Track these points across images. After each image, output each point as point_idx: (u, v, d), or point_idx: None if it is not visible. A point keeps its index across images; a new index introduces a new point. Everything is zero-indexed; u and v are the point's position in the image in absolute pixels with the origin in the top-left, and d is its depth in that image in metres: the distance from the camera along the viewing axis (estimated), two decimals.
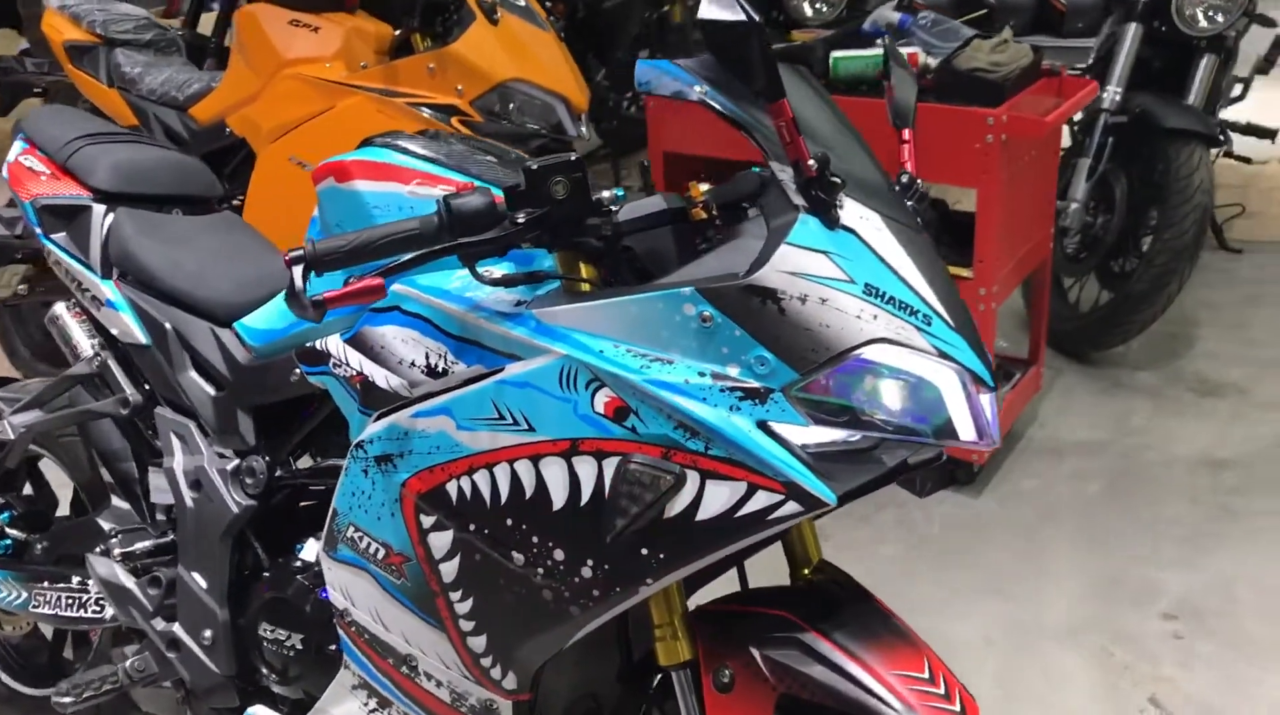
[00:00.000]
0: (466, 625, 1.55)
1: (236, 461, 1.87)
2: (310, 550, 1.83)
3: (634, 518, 1.38)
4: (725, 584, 1.67)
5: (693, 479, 1.35)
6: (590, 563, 1.43)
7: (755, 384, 1.33)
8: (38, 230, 2.06)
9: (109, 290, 1.99)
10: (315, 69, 3.11)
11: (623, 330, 1.39)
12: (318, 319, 1.35)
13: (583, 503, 1.42)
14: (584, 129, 3.04)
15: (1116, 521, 3.04)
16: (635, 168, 5.13)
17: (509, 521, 1.48)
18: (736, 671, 1.48)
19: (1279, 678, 2.47)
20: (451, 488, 1.51)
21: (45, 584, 2.08)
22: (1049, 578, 2.82)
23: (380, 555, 1.61)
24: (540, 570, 1.46)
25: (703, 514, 1.36)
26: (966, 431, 1.40)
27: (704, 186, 1.54)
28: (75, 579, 2.04)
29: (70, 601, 2.05)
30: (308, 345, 1.74)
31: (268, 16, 3.18)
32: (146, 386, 2.00)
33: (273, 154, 3.09)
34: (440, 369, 1.55)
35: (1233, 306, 4.33)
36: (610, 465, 1.39)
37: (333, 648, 1.78)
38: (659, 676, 1.66)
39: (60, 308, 2.10)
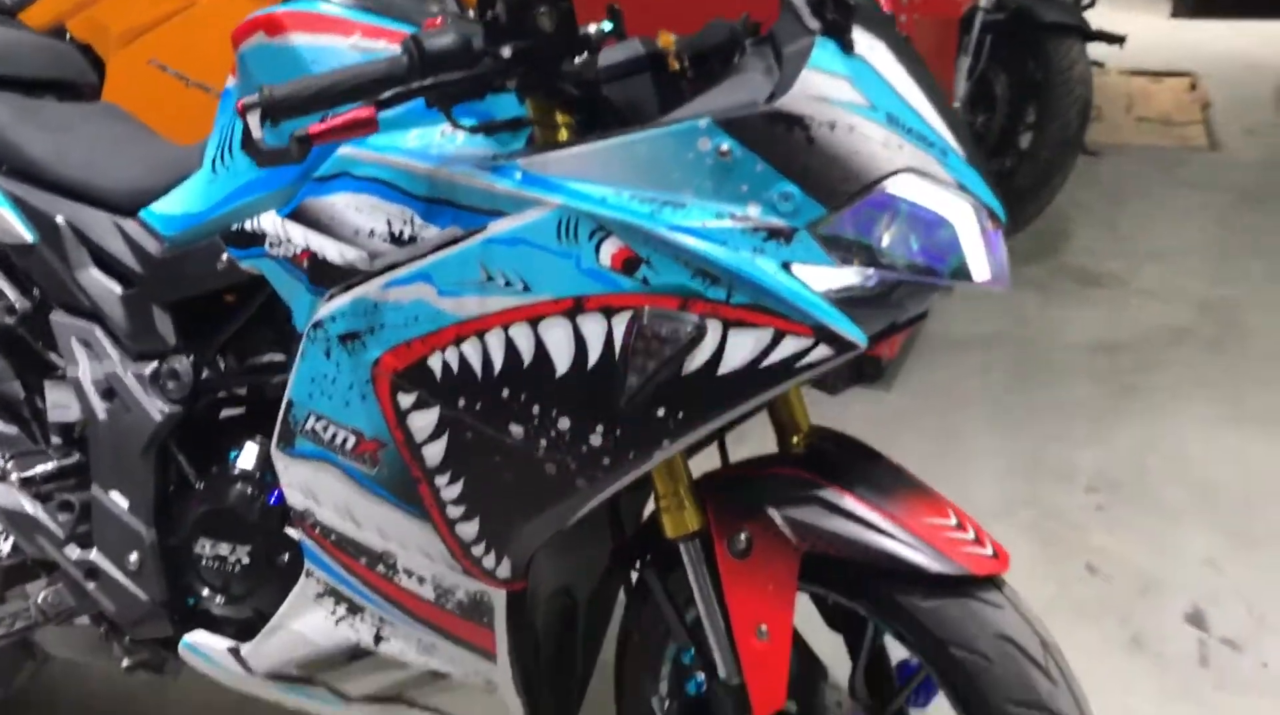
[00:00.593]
0: (455, 511, 1.42)
1: (155, 365, 1.67)
2: (248, 456, 1.66)
3: (650, 376, 1.27)
4: (705, 460, 1.58)
5: (714, 329, 1.25)
6: (600, 430, 1.32)
7: (779, 223, 1.23)
8: None
9: None
10: None
11: (627, 174, 1.27)
12: (300, 158, 1.19)
13: (590, 365, 1.30)
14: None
15: (1027, 405, 3.09)
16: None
17: (505, 393, 1.35)
18: (754, 535, 1.39)
19: (1200, 536, 2.55)
20: (435, 362, 1.37)
21: None
22: (972, 462, 2.84)
23: (349, 444, 1.46)
24: (543, 443, 1.34)
25: (725, 366, 1.26)
26: (981, 272, 1.34)
27: (672, 36, 1.43)
28: None
29: None
30: (234, 228, 1.57)
31: None
32: (35, 291, 1.77)
33: (126, 59, 2.80)
34: (407, 236, 1.40)
35: (1101, 205, 4.47)
36: (621, 322, 1.28)
37: (285, 557, 1.62)
38: (648, 557, 1.56)
39: None
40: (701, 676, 1.49)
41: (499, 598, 1.46)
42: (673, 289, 1.26)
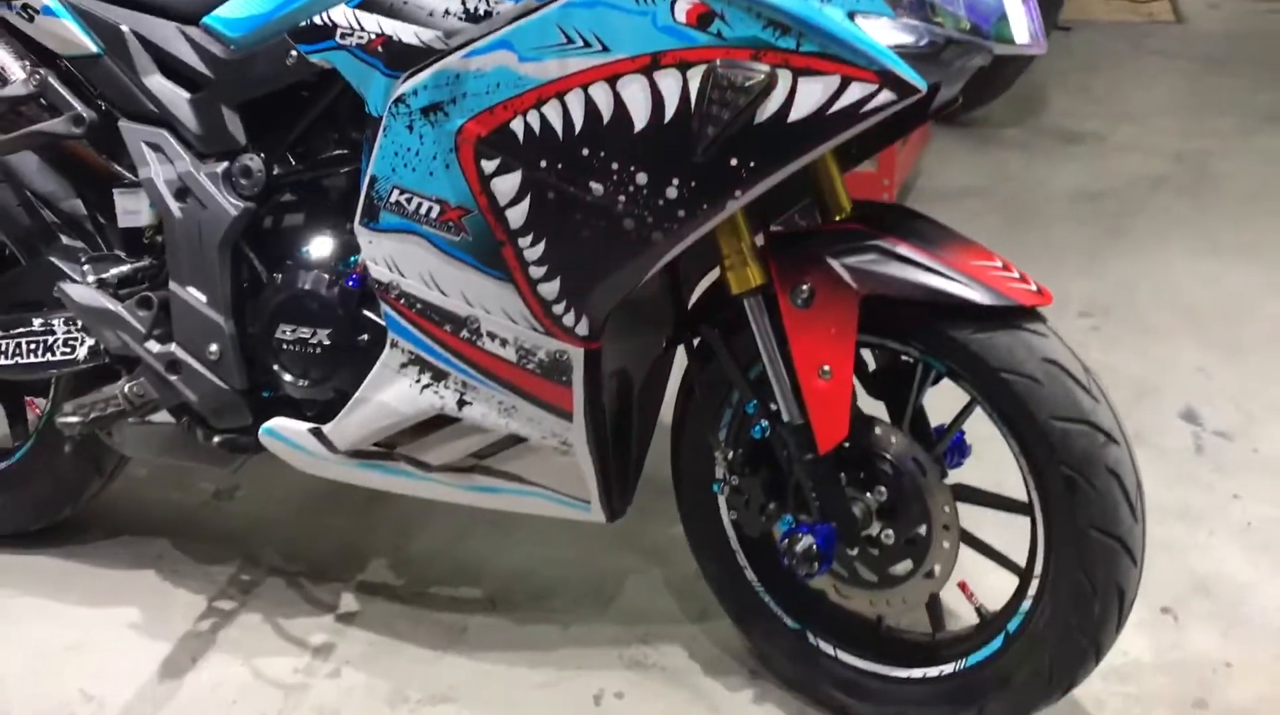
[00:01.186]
0: (537, 272, 1.52)
1: (226, 164, 1.75)
2: (321, 245, 1.74)
3: (725, 126, 1.37)
4: None
5: (784, 78, 1.35)
6: (676, 182, 1.42)
7: None
8: None
9: None
10: None
11: None
12: None
13: (667, 119, 1.40)
14: None
15: (1018, 246, 3.21)
16: None
17: (585, 151, 1.45)
18: (816, 285, 1.51)
19: (1189, 349, 2.71)
20: (517, 125, 1.47)
21: None
22: None
23: (434, 213, 1.55)
24: (621, 198, 1.45)
25: (795, 113, 1.36)
26: (1021, 35, 1.46)
27: None
28: (37, 321, 1.88)
29: (34, 346, 1.89)
30: (302, 25, 1.63)
31: None
32: (99, 102, 1.83)
33: None
34: (483, 11, 1.49)
35: (1075, 73, 4.59)
36: (696, 75, 1.38)
37: (364, 337, 1.71)
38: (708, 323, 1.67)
39: None
40: (764, 423, 1.61)
41: (577, 356, 1.57)
42: (745, 41, 1.35)
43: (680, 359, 1.79)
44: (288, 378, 1.75)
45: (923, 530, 1.58)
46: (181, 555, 2.16)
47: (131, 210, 1.83)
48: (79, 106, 1.81)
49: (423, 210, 1.56)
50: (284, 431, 1.77)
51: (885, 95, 1.34)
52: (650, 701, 1.80)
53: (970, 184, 3.63)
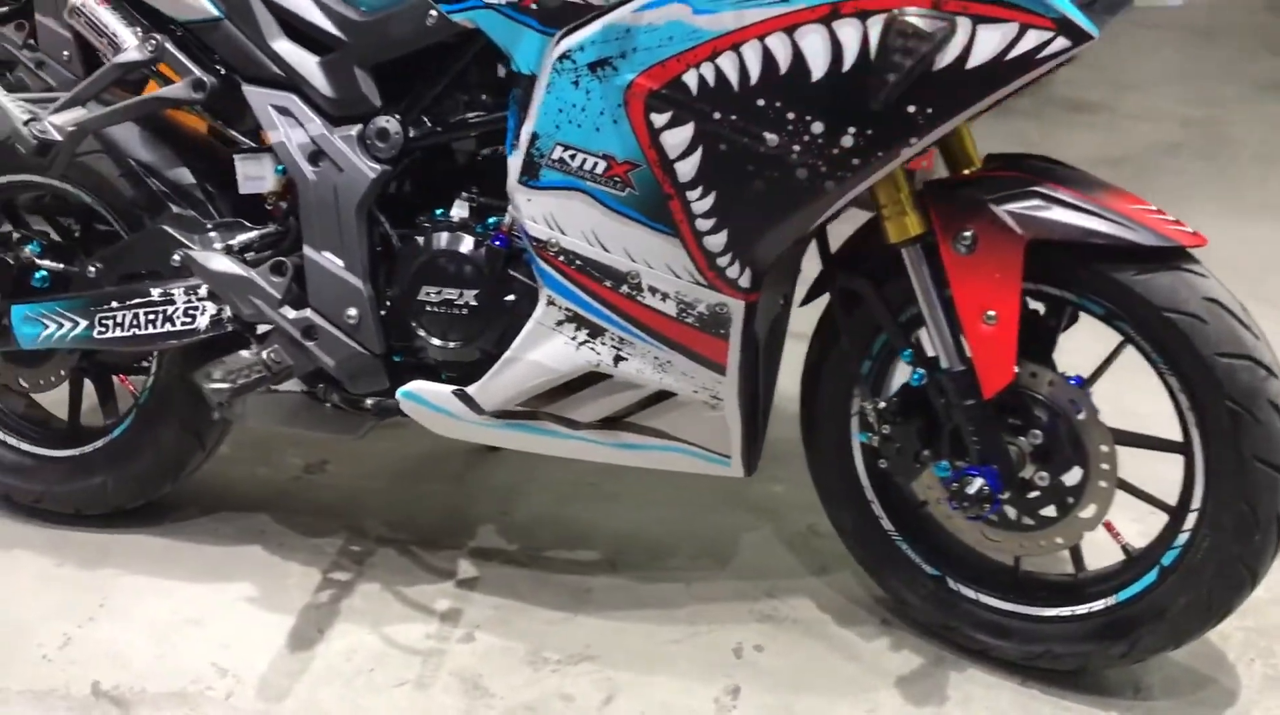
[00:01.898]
0: (704, 224, 1.54)
1: (360, 127, 1.74)
2: (459, 207, 1.74)
3: (905, 74, 1.40)
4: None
5: (964, 26, 1.38)
6: (852, 130, 1.45)
7: None
8: None
9: None
10: None
11: None
12: None
13: (845, 68, 1.42)
14: None
15: None
16: None
17: (761, 102, 1.46)
18: (978, 231, 1.54)
19: None
20: (690, 78, 1.48)
21: (113, 304, 1.87)
22: None
23: (600, 169, 1.56)
24: (796, 148, 1.47)
25: (973, 60, 1.39)
26: None
27: None
28: (155, 291, 1.85)
29: (152, 317, 1.86)
30: None
31: None
32: (217, 67, 1.80)
33: None
34: None
35: None
36: (876, 23, 1.40)
37: (512, 297, 1.71)
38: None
39: None
40: (921, 371, 1.64)
41: (737, 308, 1.59)
42: None
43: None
44: (432, 340, 1.75)
45: (1078, 472, 1.62)
46: (285, 529, 2.14)
47: (254, 176, 1.81)
48: (198, 71, 1.79)
49: (587, 166, 1.56)
50: (425, 394, 1.77)
51: (1060, 42, 1.38)
52: (790, 653, 1.82)
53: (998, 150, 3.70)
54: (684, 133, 1.50)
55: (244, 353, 1.85)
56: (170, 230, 1.86)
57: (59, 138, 1.79)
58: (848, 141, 1.45)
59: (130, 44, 1.81)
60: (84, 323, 1.90)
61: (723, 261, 1.55)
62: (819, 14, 1.42)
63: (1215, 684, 1.74)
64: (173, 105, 1.82)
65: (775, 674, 1.78)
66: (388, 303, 1.77)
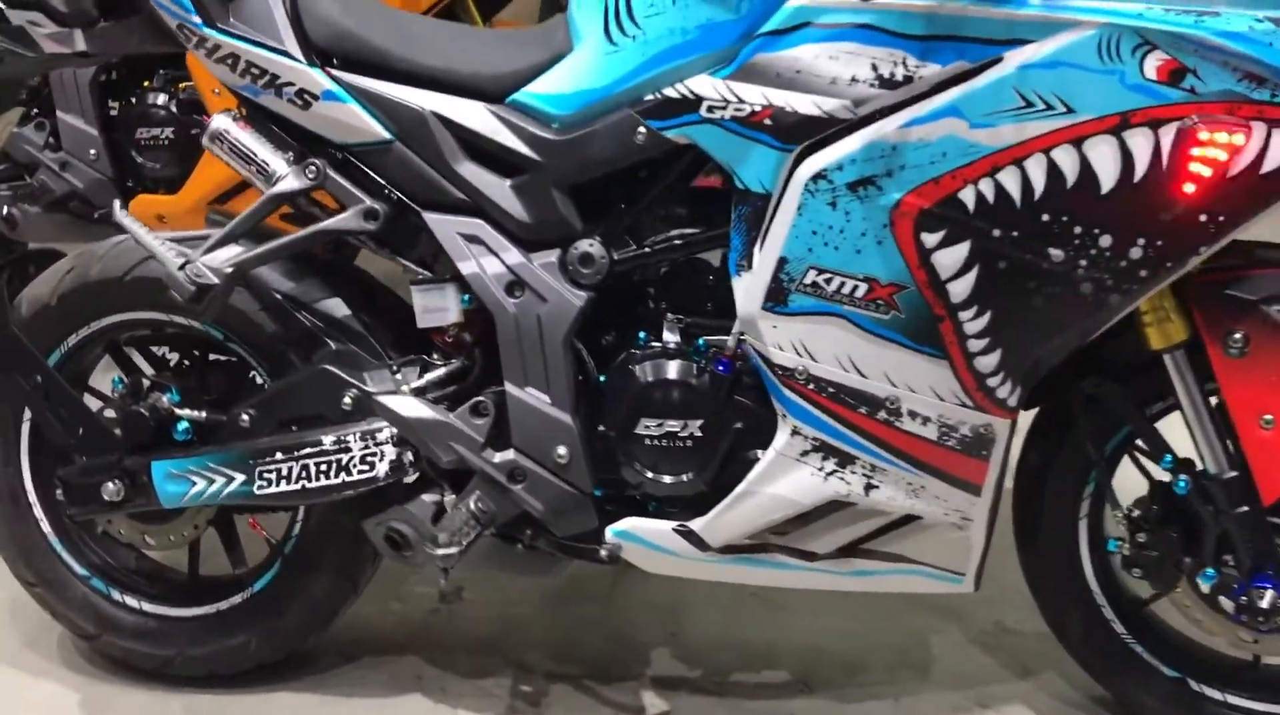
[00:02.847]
0: (976, 345, 1.45)
1: (559, 252, 1.61)
2: (670, 331, 1.62)
3: (1204, 182, 1.34)
4: None
5: (1258, 130, 1.33)
6: (1141, 242, 1.38)
7: None
8: (195, 19, 1.62)
9: (323, 79, 1.62)
10: None
11: None
12: None
13: (1136, 178, 1.36)
14: None
15: None
16: None
17: (1045, 216, 1.39)
18: (1250, 332, 1.49)
19: None
20: (967, 194, 1.40)
21: (277, 456, 1.70)
22: None
23: (860, 292, 1.46)
24: (1083, 261, 1.39)
25: (1267, 165, 1.34)
26: None
27: None
28: (327, 439, 1.69)
29: (324, 467, 1.68)
30: (650, 98, 1.53)
31: None
32: (387, 192, 1.66)
33: None
34: (900, 76, 1.41)
35: None
36: (1168, 132, 1.34)
37: (737, 426, 1.60)
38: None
39: (223, 120, 1.68)
40: (1184, 477, 1.57)
41: (1002, 428, 1.51)
42: (1220, 94, 1.32)
43: None
44: (651, 475, 1.62)
45: None
46: (441, 671, 1.98)
47: (435, 308, 1.67)
48: (368, 199, 1.64)
49: (845, 289, 1.46)
50: (643, 533, 1.64)
51: None
52: None
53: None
54: (959, 251, 1.42)
55: (425, 497, 1.71)
56: (336, 371, 1.70)
57: (216, 281, 1.64)
58: (1136, 253, 1.38)
59: (283, 171, 1.66)
60: (241, 477, 1.72)
61: (993, 382, 1.47)
62: (1108, 124, 1.35)
63: None
64: (338, 235, 1.67)
65: None
66: (599, 438, 1.64)
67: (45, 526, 1.93)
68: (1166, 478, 1.61)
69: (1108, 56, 1.34)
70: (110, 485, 1.77)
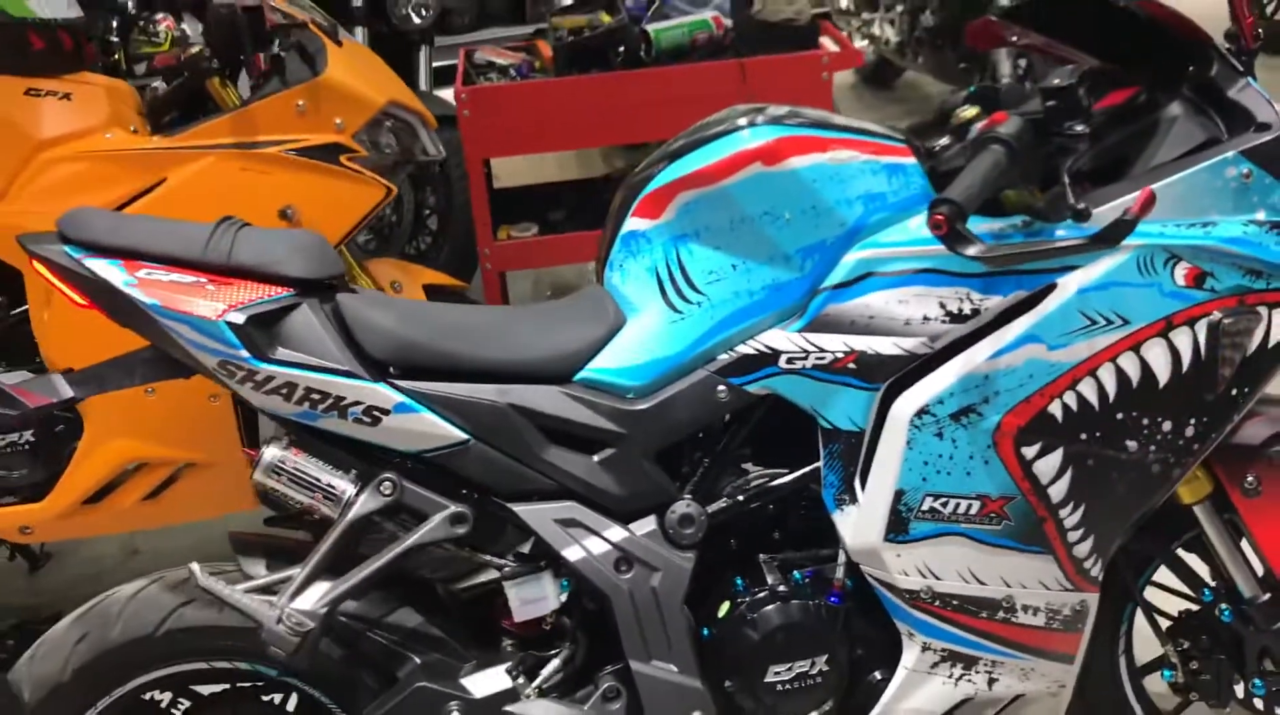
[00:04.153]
0: (1074, 536, 1.61)
1: (655, 518, 1.62)
2: (771, 574, 1.67)
3: (1236, 365, 1.57)
4: None
5: (1263, 313, 1.59)
6: (1192, 422, 1.60)
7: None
8: (244, 354, 1.51)
9: (392, 393, 1.55)
10: (92, 143, 2.43)
11: (1165, 210, 1.55)
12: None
13: (1183, 371, 1.58)
14: (438, 146, 2.77)
15: None
16: None
17: (1119, 416, 1.57)
18: (1260, 475, 1.74)
19: None
20: (1054, 408, 1.56)
21: None
22: None
23: (974, 510, 1.58)
24: (1152, 447, 1.59)
25: (1273, 337, 1.60)
26: None
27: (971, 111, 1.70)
28: None
29: None
30: (725, 357, 1.60)
31: None
32: (464, 492, 1.60)
33: None
34: (967, 310, 1.56)
35: None
36: (1202, 328, 1.57)
37: (859, 651, 1.67)
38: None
39: (275, 451, 1.57)
40: (1226, 606, 1.80)
41: (1093, 600, 1.67)
42: (1231, 290, 1.57)
43: None
44: None
45: None
46: None
47: (534, 598, 1.62)
48: (452, 505, 1.59)
49: (960, 510, 1.58)
50: None
51: None
52: None
53: None
54: (1054, 458, 1.57)
55: None
56: (433, 686, 1.61)
57: (312, 625, 1.52)
58: (1189, 431, 1.60)
59: (353, 492, 1.58)
60: None
61: (1088, 564, 1.63)
62: (1157, 329, 1.55)
63: None
64: (428, 547, 1.60)
65: None
66: (724, 693, 1.65)
67: None
68: (1196, 607, 1.84)
69: (1146, 271, 1.55)
70: None
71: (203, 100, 2.67)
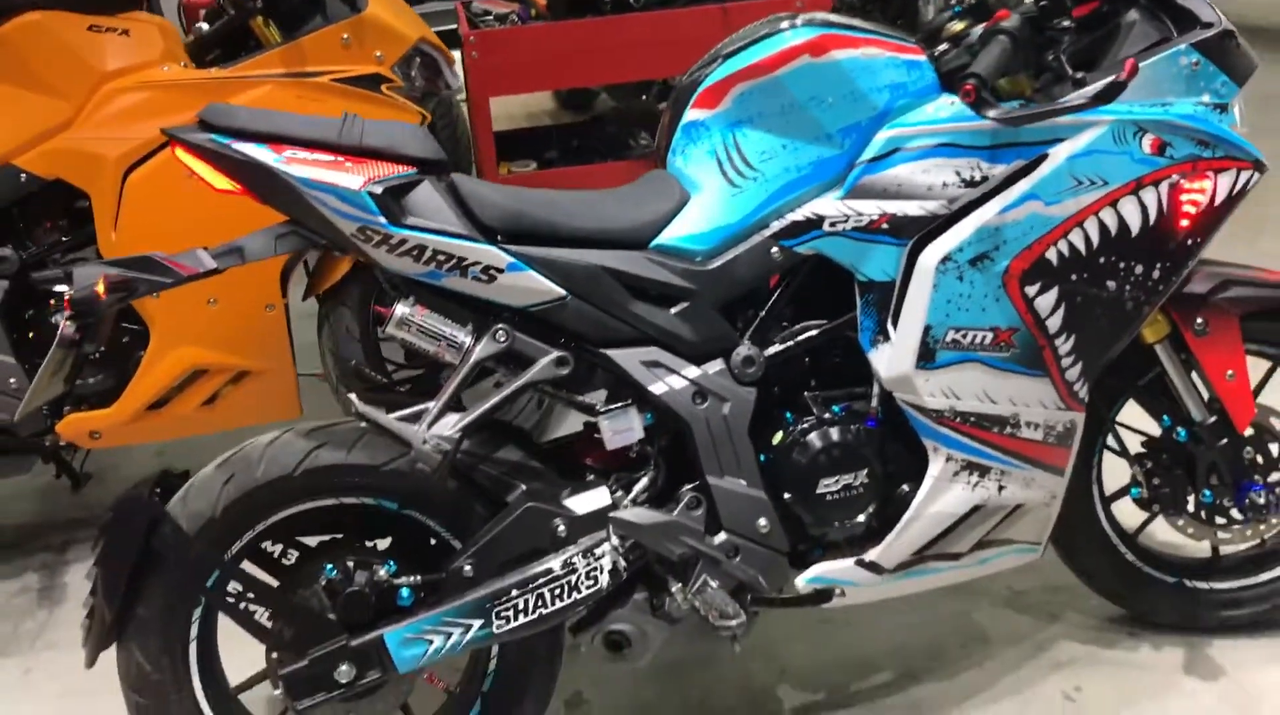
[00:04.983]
0: (1066, 361, 1.96)
1: (721, 360, 1.93)
2: (816, 405, 1.99)
3: (1191, 216, 1.94)
4: None
5: (1211, 177, 1.96)
6: (1159, 265, 1.96)
7: (1221, 101, 1.96)
8: (381, 219, 1.77)
9: (504, 255, 1.83)
10: (151, 74, 2.64)
11: (1133, 92, 1.91)
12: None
13: (1152, 223, 1.94)
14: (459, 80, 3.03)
15: None
16: None
17: (1101, 259, 1.93)
18: (1207, 318, 2.11)
19: None
20: (1051, 254, 1.90)
21: (513, 593, 1.85)
22: None
23: (987, 340, 1.92)
24: (1127, 286, 1.95)
25: (1218, 198, 1.97)
26: None
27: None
28: (556, 564, 1.86)
29: (558, 591, 1.85)
30: (777, 224, 1.91)
31: (59, 25, 2.58)
32: (563, 341, 1.89)
33: (146, 180, 2.58)
34: (978, 177, 1.90)
35: None
36: (1164, 188, 1.93)
37: (892, 467, 2.00)
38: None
39: (404, 308, 1.83)
40: (1182, 430, 2.17)
41: (1080, 419, 2.02)
42: (1187, 158, 1.94)
43: None
44: (836, 523, 1.98)
45: None
46: None
47: (623, 429, 1.92)
48: (554, 351, 1.88)
49: (977, 340, 1.92)
50: (831, 574, 1.99)
51: (1255, 176, 2.00)
52: (1102, 684, 2.26)
53: None
54: (1051, 295, 1.92)
55: (636, 597, 1.95)
56: (542, 506, 1.90)
57: (450, 447, 1.80)
58: (1156, 273, 1.96)
59: (471, 341, 1.85)
60: (478, 623, 1.86)
61: (1077, 386, 1.98)
62: (1129, 188, 1.91)
63: None
64: (538, 385, 1.88)
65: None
66: (784, 505, 1.97)
67: None
68: (1157, 434, 2.21)
69: (1120, 141, 1.90)
70: (343, 667, 1.84)
71: (242, 40, 2.90)
